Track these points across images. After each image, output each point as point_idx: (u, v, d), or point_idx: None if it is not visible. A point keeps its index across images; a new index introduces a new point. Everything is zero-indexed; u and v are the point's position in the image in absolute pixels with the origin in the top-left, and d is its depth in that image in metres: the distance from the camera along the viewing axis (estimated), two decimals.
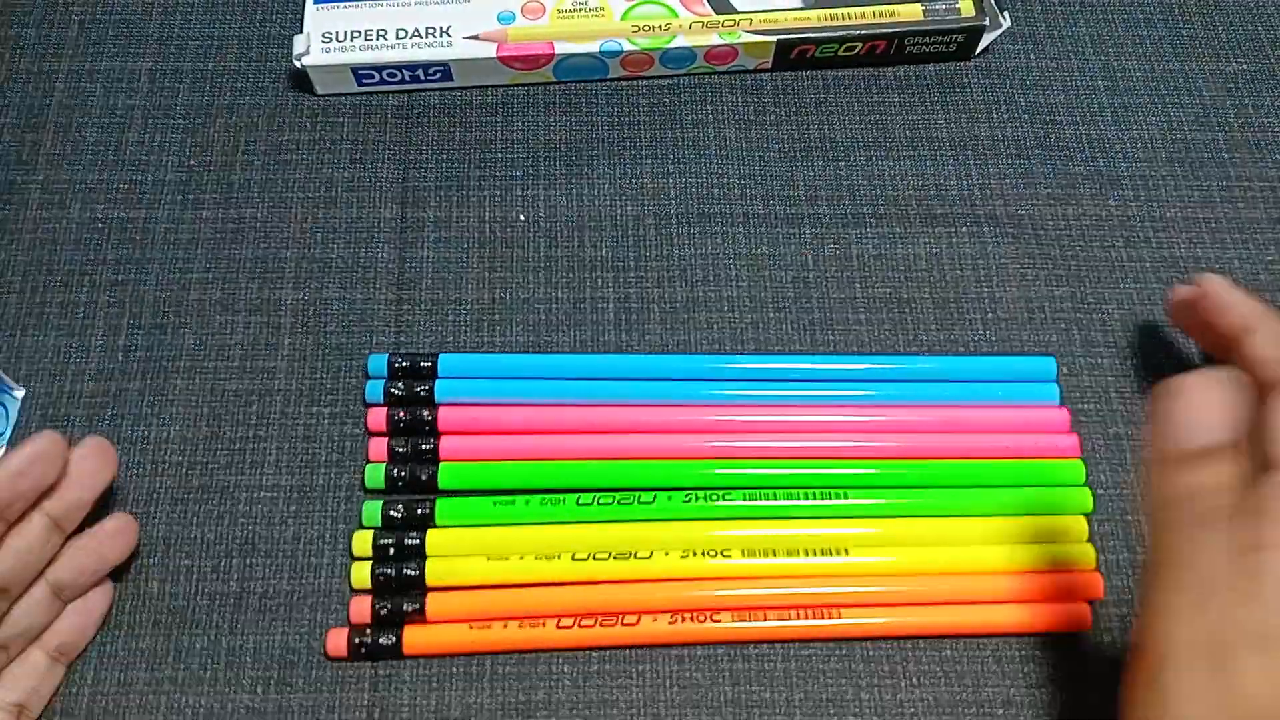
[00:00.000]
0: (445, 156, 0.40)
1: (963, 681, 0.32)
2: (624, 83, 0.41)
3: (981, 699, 0.32)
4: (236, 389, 0.36)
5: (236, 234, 0.38)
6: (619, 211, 0.39)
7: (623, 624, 0.32)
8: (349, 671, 0.32)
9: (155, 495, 0.34)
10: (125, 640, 0.32)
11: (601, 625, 0.32)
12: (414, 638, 0.32)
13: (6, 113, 0.40)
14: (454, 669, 0.32)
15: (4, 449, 0.34)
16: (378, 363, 0.35)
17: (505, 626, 0.32)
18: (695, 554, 0.33)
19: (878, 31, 0.40)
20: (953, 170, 0.40)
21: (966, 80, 0.41)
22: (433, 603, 0.32)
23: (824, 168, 0.40)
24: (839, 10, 0.40)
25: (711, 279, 0.38)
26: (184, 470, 0.34)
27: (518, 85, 0.41)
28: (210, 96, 0.41)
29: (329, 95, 0.40)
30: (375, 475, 0.34)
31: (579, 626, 0.32)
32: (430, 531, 0.33)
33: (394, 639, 0.32)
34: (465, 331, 0.37)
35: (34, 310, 0.37)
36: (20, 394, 0.35)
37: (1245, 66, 0.42)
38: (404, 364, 0.35)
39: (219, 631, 0.32)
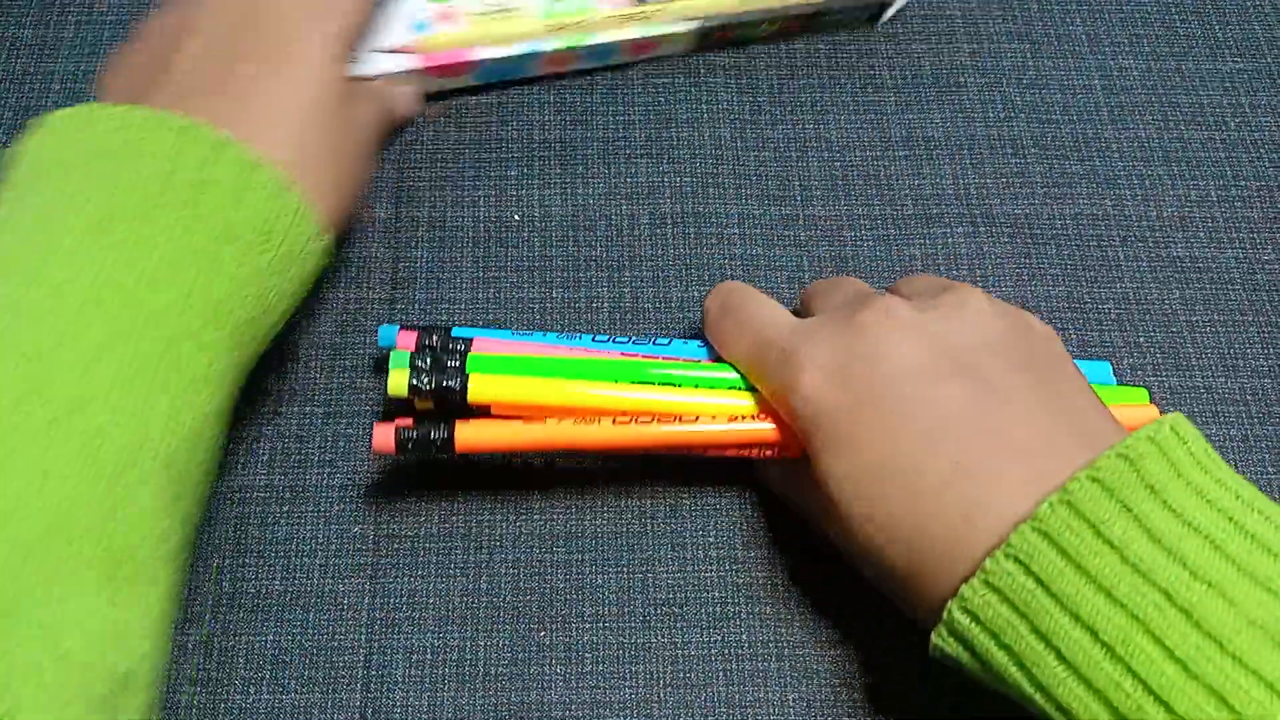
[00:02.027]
0: (439, 156, 0.40)
1: None
2: (619, 82, 0.41)
3: None
4: None
5: None
6: (613, 211, 0.39)
7: (680, 421, 0.31)
8: (341, 672, 0.32)
9: None
10: None
11: (659, 421, 0.31)
12: (466, 432, 0.30)
13: (2, 114, 0.40)
14: (447, 669, 0.32)
15: None
16: (387, 335, 0.33)
17: (560, 423, 0.31)
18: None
19: (794, 13, 0.40)
20: (949, 170, 0.40)
21: (963, 80, 0.41)
22: (474, 391, 0.31)
23: (819, 168, 0.40)
24: None
25: (706, 279, 0.38)
26: None
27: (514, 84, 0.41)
28: None
29: None
30: (398, 381, 0.31)
31: (637, 423, 0.31)
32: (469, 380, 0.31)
33: (446, 434, 0.30)
34: None
35: None
36: None
37: (1242, 66, 0.42)
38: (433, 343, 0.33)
39: (211, 632, 0.32)
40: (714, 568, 0.33)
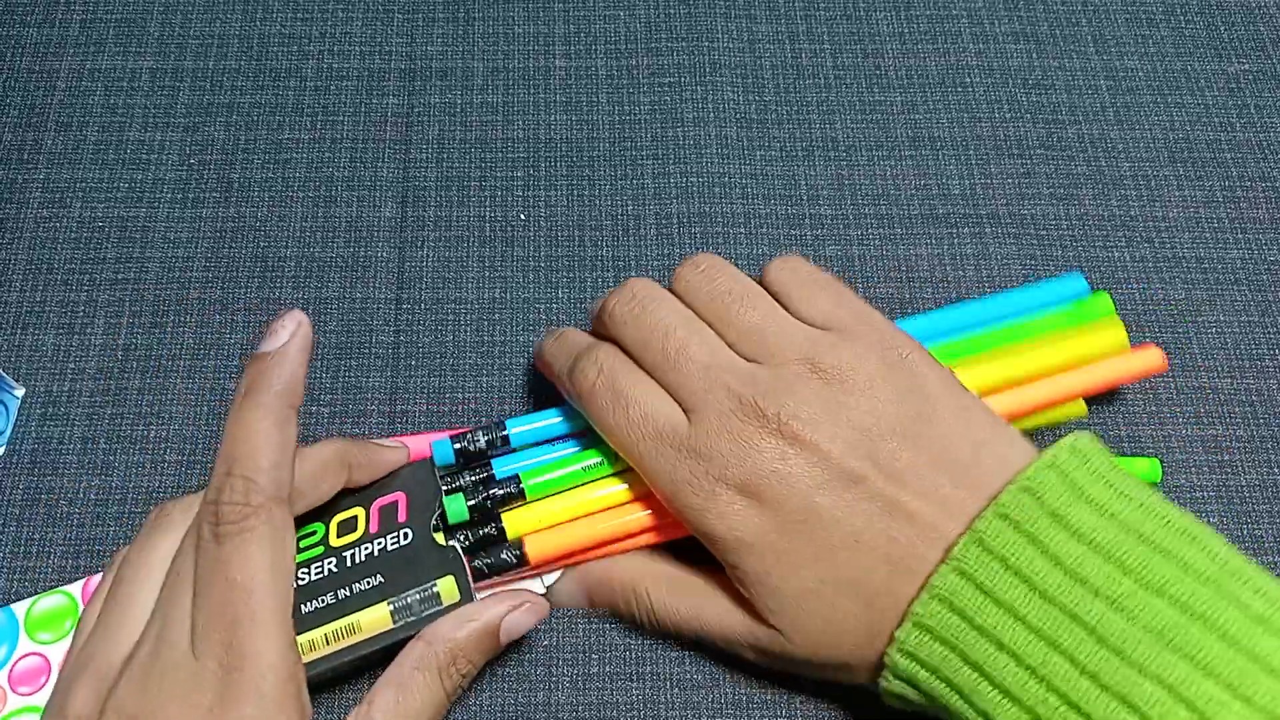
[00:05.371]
0: (445, 156, 0.40)
1: None
2: (625, 81, 0.41)
3: None
4: (236, 388, 0.36)
5: (236, 233, 0.38)
6: (619, 211, 0.39)
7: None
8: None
9: (155, 495, 0.34)
10: None
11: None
12: (534, 546, 0.31)
13: (7, 111, 0.40)
14: None
15: (3, 448, 0.34)
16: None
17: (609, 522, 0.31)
18: None
19: None
20: (955, 170, 0.40)
21: (969, 80, 0.41)
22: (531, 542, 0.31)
23: (825, 167, 0.40)
24: None
25: None
26: (184, 470, 0.34)
27: (519, 84, 0.41)
28: (210, 95, 0.41)
29: (328, 92, 0.40)
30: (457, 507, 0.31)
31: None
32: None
33: (518, 554, 0.31)
34: (465, 331, 0.37)
35: (34, 308, 0.37)
36: (20, 392, 0.35)
37: (1247, 66, 0.42)
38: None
39: None
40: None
